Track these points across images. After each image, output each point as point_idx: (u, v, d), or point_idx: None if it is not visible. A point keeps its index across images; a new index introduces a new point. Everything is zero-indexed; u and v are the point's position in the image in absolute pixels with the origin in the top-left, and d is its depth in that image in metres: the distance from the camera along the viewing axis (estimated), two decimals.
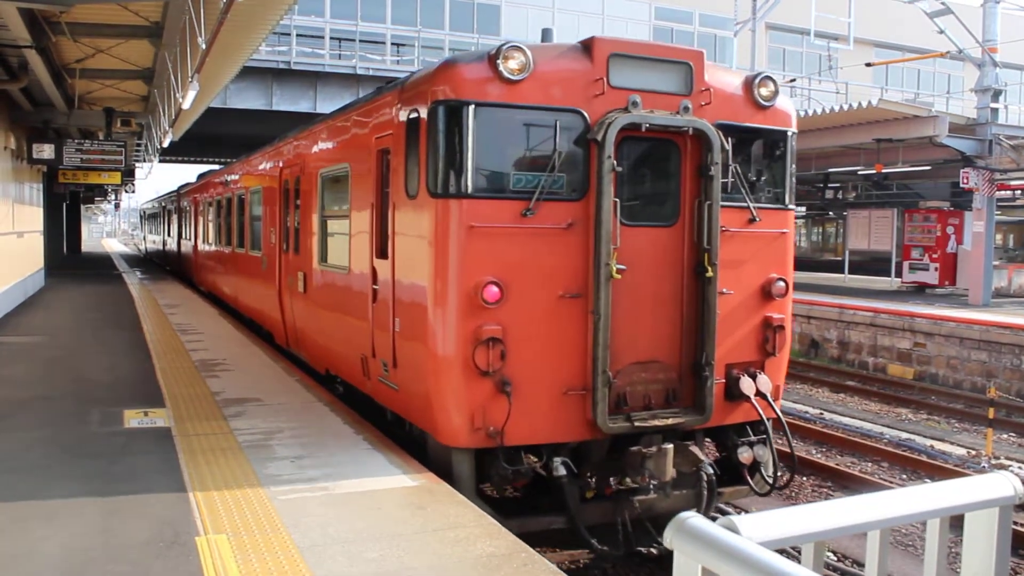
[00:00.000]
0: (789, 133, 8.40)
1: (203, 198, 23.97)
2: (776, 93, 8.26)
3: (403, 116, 7.84)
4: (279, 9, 14.89)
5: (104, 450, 7.95)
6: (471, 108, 7.12)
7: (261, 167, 15.52)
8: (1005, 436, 15.14)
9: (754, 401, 7.99)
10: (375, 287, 8.67)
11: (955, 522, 2.38)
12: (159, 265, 40.83)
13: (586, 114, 7.41)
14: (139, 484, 6.97)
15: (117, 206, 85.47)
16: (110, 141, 22.06)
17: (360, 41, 40.56)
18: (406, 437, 8.49)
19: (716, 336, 7.77)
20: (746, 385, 8.00)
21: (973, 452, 13.49)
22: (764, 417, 8.08)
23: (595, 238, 7.34)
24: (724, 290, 7.89)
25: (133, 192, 58.12)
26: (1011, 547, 2.38)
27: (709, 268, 7.72)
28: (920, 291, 27.54)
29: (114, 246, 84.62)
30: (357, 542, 5.72)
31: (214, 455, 7.75)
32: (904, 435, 14.44)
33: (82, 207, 59.48)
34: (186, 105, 17.16)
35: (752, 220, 8.11)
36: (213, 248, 21.92)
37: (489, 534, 5.92)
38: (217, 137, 44.72)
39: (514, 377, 7.18)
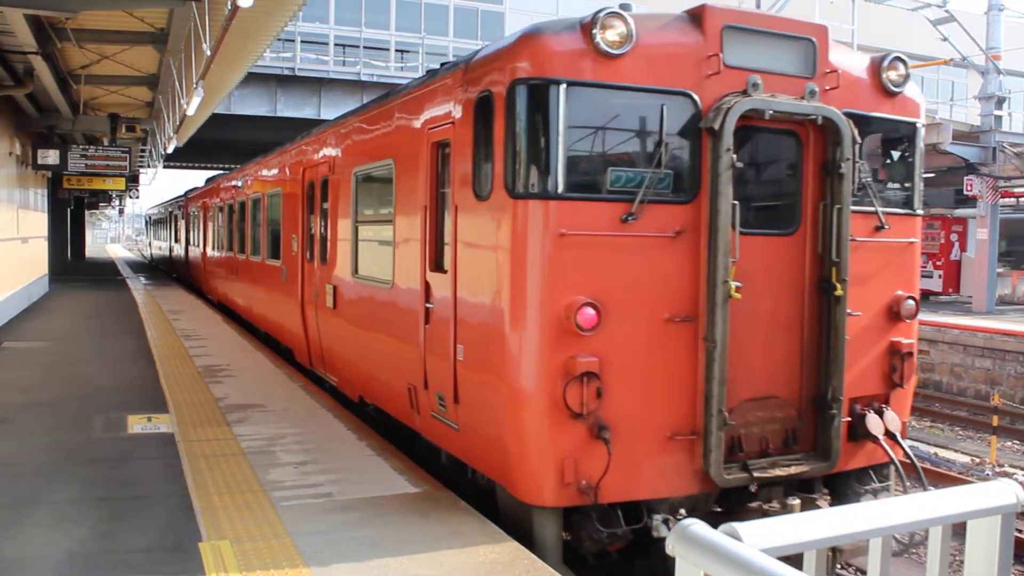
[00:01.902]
0: (918, 125, 7.23)
1: (214, 203, 22.75)
2: (907, 78, 7.10)
3: (469, 101, 6.62)
4: (283, 16, 14.96)
5: (107, 455, 7.95)
6: (562, 88, 5.87)
7: (280, 168, 14.30)
8: (1009, 444, 15.11)
9: (883, 442, 6.85)
10: (428, 306, 7.35)
11: (958, 529, 2.38)
12: (165, 272, 40.18)
13: (697, 97, 6.22)
14: (142, 489, 6.98)
15: (121, 212, 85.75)
16: (115, 147, 22.12)
17: (364, 48, 40.66)
18: (469, 486, 7.26)
19: (844, 366, 6.57)
20: (873, 423, 6.83)
21: (977, 460, 13.48)
22: (895, 460, 6.90)
23: (709, 249, 6.16)
24: (850, 311, 6.66)
25: (137, 198, 58.31)
26: (1013, 555, 2.38)
27: (838, 285, 6.52)
28: (924, 298, 27.53)
29: (118, 252, 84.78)
30: (360, 549, 5.72)
31: (217, 461, 7.76)
32: (907, 443, 14.40)
33: (86, 213, 59.59)
34: (190, 111, 17.22)
35: (879, 228, 6.91)
36: (225, 256, 20.49)
37: (492, 541, 5.91)
38: (221, 143, 44.87)
39: (612, 419, 5.96)
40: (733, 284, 6.13)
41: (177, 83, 17.23)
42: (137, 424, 9.16)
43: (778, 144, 6.72)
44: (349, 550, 5.69)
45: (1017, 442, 15.29)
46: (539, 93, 5.96)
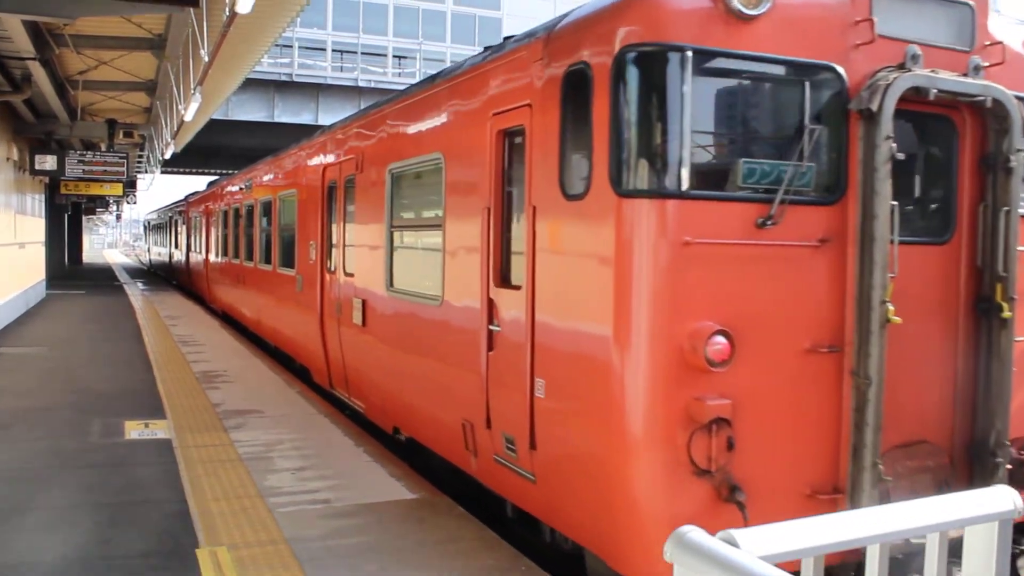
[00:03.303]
0: None
1: (217, 207, 21.55)
2: None
3: (554, 77, 5.45)
4: (281, 22, 15.00)
5: (104, 461, 7.94)
6: (688, 56, 4.72)
7: (295, 167, 12.99)
8: None
9: None
10: (493, 328, 6.19)
11: (955, 551, 2.39)
12: (165, 279, 39.48)
13: (843, 72, 5.09)
14: (139, 495, 6.97)
15: (119, 217, 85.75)
16: (112, 152, 22.16)
17: (362, 53, 40.72)
18: (548, 548, 6.22)
19: (1011, 403, 5.45)
20: None
21: None
22: None
23: (861, 262, 5.02)
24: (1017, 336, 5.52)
25: (135, 203, 58.29)
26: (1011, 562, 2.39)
27: (1004, 304, 5.38)
28: None
29: (115, 257, 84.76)
30: (358, 555, 5.71)
31: (214, 467, 7.75)
32: None
33: (84, 218, 59.60)
34: (188, 117, 17.26)
35: None
36: (231, 263, 19.17)
37: (489, 547, 5.91)
38: (219, 148, 44.93)
39: (744, 477, 4.80)
40: (890, 306, 4.99)
41: (175, 89, 17.26)
42: (134, 430, 9.15)
43: (928, 132, 5.53)
44: (346, 556, 5.68)
45: None
46: (656, 63, 4.80)
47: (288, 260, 13.17)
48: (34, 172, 20.85)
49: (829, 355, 5.07)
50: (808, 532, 2.09)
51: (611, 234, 4.92)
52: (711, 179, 4.95)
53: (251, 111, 36.82)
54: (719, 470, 4.74)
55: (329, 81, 38.97)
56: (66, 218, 43.02)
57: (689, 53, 4.72)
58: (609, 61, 4.91)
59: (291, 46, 38.22)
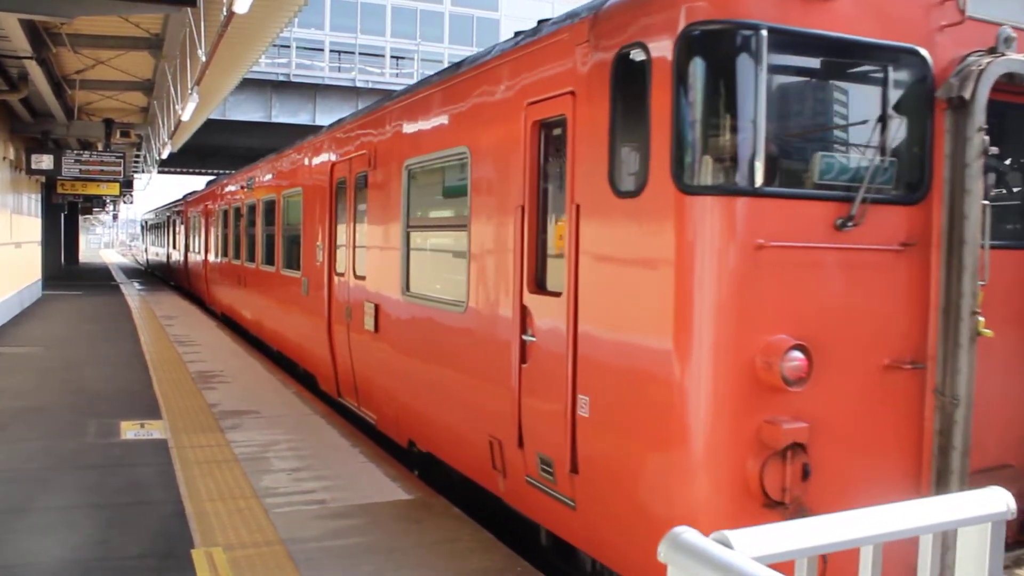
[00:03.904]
0: None
1: (217, 206, 21.05)
2: None
3: (602, 62, 4.94)
4: (279, 22, 15.00)
5: (100, 462, 7.93)
6: (762, 36, 4.23)
7: (300, 164, 12.39)
8: None
9: None
10: (528, 338, 5.70)
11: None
12: (162, 279, 39.00)
13: (928, 56, 4.63)
14: (135, 496, 6.96)
15: (115, 217, 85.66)
16: (109, 152, 22.14)
17: (360, 54, 40.75)
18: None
19: None
20: None
21: None
22: None
23: (948, 268, 4.59)
24: None
25: (132, 203, 58.26)
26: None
27: None
28: None
29: (112, 257, 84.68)
30: (354, 556, 5.71)
31: (210, 467, 7.74)
32: None
33: (80, 218, 59.54)
34: (185, 117, 17.25)
35: None
36: (231, 264, 18.59)
37: (484, 548, 5.92)
38: (216, 148, 44.91)
39: (819, 509, 3.95)
40: (981, 317, 4.54)
41: (172, 88, 17.26)
42: (130, 430, 9.14)
43: (1012, 124, 5.06)
44: (342, 557, 5.68)
45: None
46: (726, 44, 4.33)
47: (292, 262, 12.65)
48: (30, 171, 20.83)
49: (911, 372, 4.62)
50: (801, 533, 2.10)
51: (672, 235, 4.42)
52: (784, 175, 4.50)
53: (248, 111, 36.82)
54: (793, 501, 4.23)
55: (327, 81, 38.98)
56: (62, 218, 42.98)
57: (764, 32, 4.21)
58: (671, 41, 4.39)
59: (289, 46, 38.24)
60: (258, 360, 14.18)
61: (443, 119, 7.24)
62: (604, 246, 4.94)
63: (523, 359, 5.74)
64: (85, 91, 19.10)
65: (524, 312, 5.75)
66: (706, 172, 4.39)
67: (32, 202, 24.61)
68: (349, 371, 9.67)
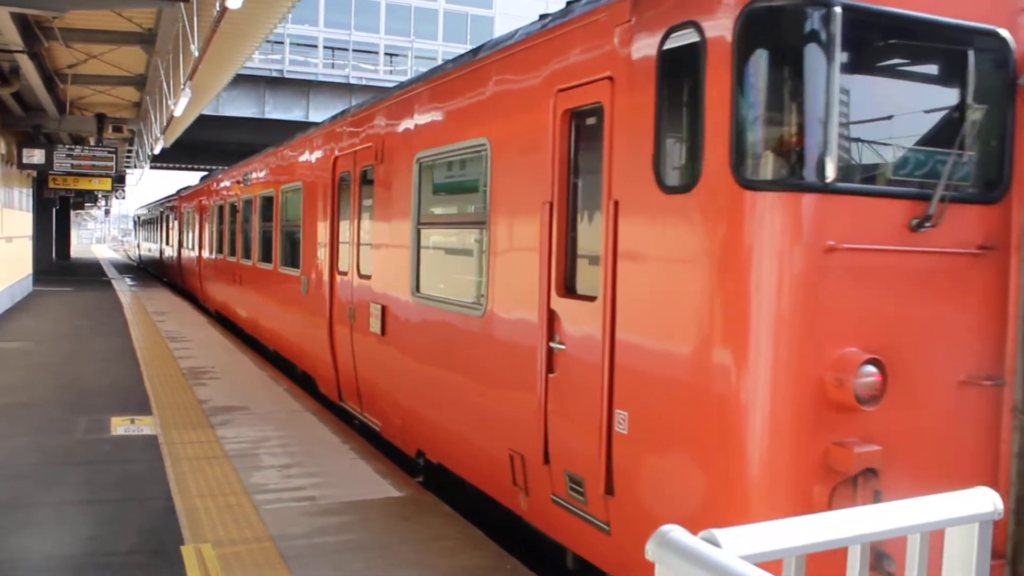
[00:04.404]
0: None
1: (212, 202, 20.60)
2: None
3: (648, 43, 4.50)
4: (273, 18, 14.97)
5: (90, 457, 7.91)
6: (835, 14, 3.82)
7: (299, 158, 11.92)
8: None
9: None
10: (556, 346, 5.26)
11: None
12: (155, 276, 38.43)
13: (1011, 40, 4.26)
14: (125, 492, 6.94)
15: (107, 212, 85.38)
16: (101, 147, 22.06)
17: (353, 51, 40.72)
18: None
19: None
20: None
21: None
22: None
23: None
24: None
25: (123, 198, 58.10)
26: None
27: None
28: None
29: (104, 252, 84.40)
30: (343, 552, 5.70)
31: (200, 463, 7.72)
32: None
33: (72, 213, 59.35)
34: (178, 112, 17.20)
35: None
36: (226, 261, 18.09)
37: (474, 545, 5.91)
38: (209, 144, 44.80)
39: (891, 540, 3.38)
40: None
41: (165, 84, 17.20)
42: (120, 426, 9.11)
43: None
44: (332, 554, 5.67)
45: None
46: (794, 23, 3.94)
47: (291, 259, 12.19)
48: (22, 166, 20.75)
49: (988, 388, 4.21)
50: (790, 532, 2.10)
51: (729, 234, 3.98)
52: (856, 169, 4.13)
53: (241, 107, 36.73)
54: None
55: (320, 78, 38.93)
56: (54, 213, 42.85)
57: (837, 10, 3.79)
58: (730, 20, 3.96)
59: (282, 42, 38.16)
60: (249, 356, 14.15)
61: (460, 109, 6.79)
62: (647, 246, 4.49)
63: (550, 368, 5.30)
64: (77, 85, 19.03)
65: (552, 317, 5.31)
66: (770, 165, 3.99)
67: (23, 196, 24.52)
68: (352, 375, 9.27)
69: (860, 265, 3.95)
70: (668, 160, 4.38)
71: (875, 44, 4.17)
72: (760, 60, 3.97)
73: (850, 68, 4.05)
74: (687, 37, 4.21)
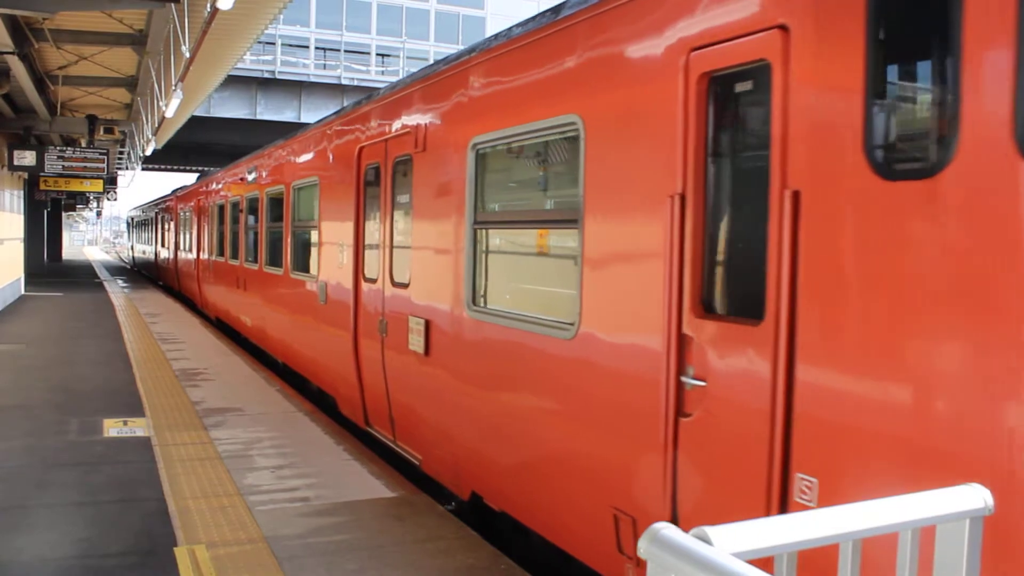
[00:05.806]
0: None
1: (211, 202, 19.41)
2: None
3: None
4: (264, 19, 14.94)
5: (82, 459, 7.89)
6: None
7: (317, 149, 10.60)
8: None
9: None
10: (690, 381, 4.17)
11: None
12: (150, 279, 37.42)
13: None
14: (117, 494, 6.92)
15: (99, 214, 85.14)
16: (92, 148, 21.99)
17: (345, 51, 40.72)
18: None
19: None
20: None
21: None
22: None
23: None
24: None
25: (115, 200, 57.93)
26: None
27: None
28: None
29: (95, 254, 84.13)
30: (337, 553, 5.70)
31: (193, 465, 7.71)
32: None
33: (63, 214, 59.14)
34: (169, 113, 17.16)
35: None
36: (228, 264, 16.87)
37: (469, 546, 5.91)
38: (200, 146, 44.70)
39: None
40: None
41: (156, 85, 17.17)
42: (113, 428, 9.09)
43: None
44: (325, 555, 5.67)
45: None
46: None
47: (303, 264, 11.08)
48: (12, 168, 20.68)
49: None
50: (781, 529, 2.11)
51: (1012, 232, 2.82)
52: None
53: (233, 108, 36.68)
54: None
55: (312, 79, 38.89)
56: (45, 215, 42.66)
57: None
58: None
59: (274, 43, 38.10)
60: (242, 358, 14.13)
61: (535, 83, 5.59)
62: (851, 253, 3.37)
63: (682, 410, 4.21)
64: (68, 87, 18.97)
65: (684, 344, 4.20)
66: None
67: (14, 199, 24.43)
68: (382, 397, 8.19)
69: None
70: (889, 132, 3.34)
71: None
72: None
73: None
74: None
